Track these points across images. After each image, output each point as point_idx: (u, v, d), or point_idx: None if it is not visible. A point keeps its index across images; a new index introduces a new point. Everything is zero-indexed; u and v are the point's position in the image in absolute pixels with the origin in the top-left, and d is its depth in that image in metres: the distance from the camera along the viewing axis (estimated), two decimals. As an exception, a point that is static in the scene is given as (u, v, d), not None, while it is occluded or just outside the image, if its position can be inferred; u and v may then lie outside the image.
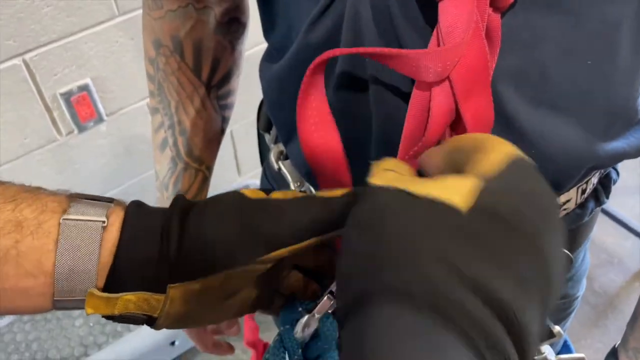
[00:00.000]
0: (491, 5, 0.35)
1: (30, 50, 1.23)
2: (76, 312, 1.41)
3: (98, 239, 0.32)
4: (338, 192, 0.35)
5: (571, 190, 0.48)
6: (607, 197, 0.53)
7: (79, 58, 1.29)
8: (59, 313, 1.42)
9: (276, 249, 0.34)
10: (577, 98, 0.41)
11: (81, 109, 1.37)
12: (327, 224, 0.34)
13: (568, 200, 0.49)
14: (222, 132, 0.64)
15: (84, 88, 1.34)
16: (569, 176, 0.45)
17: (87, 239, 0.32)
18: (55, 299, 0.32)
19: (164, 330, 0.37)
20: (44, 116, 1.32)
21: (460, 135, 0.33)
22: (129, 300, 0.33)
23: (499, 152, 0.28)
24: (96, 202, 0.34)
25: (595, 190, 0.52)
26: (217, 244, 0.34)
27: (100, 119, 1.40)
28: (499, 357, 0.22)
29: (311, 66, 0.37)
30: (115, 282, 0.33)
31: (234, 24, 0.58)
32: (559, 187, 0.46)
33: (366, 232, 0.26)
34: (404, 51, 0.34)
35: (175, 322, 0.36)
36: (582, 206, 0.51)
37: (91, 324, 1.39)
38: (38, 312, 0.34)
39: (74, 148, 1.39)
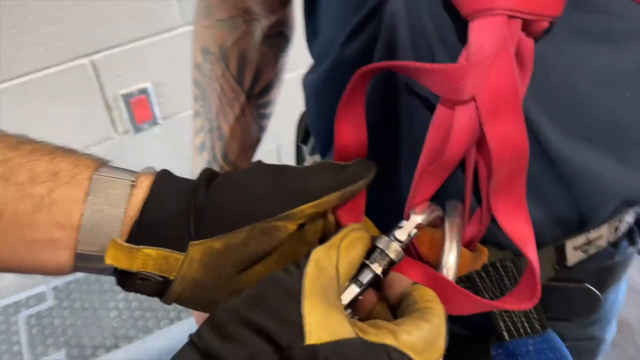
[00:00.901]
0: (524, 29, 0.35)
1: (98, 52, 1.30)
2: (112, 304, 1.45)
3: (127, 193, 0.33)
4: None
5: (603, 227, 0.46)
6: (642, 238, 0.51)
7: (142, 63, 1.36)
8: (97, 303, 1.46)
9: (303, 203, 0.34)
10: (613, 130, 0.39)
11: (139, 110, 1.43)
12: (342, 181, 0.36)
13: (599, 237, 0.47)
14: (258, 140, 0.65)
15: (144, 91, 1.40)
16: (600, 209, 0.43)
17: (116, 193, 0.33)
18: (77, 251, 0.33)
19: (192, 328, 0.37)
20: (104, 114, 1.38)
21: (426, 289, 0.34)
22: (149, 255, 0.33)
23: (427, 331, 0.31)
24: (125, 169, 0.35)
25: (630, 230, 0.50)
26: (245, 196, 0.34)
27: (155, 122, 1.46)
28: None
29: (355, 75, 0.37)
30: (138, 237, 0.33)
31: (279, 37, 0.59)
32: (589, 220, 0.45)
33: None
34: (427, 65, 0.34)
35: (188, 293, 0.36)
36: (614, 245, 0.49)
37: (124, 317, 1.43)
38: (59, 273, 0.34)
39: (128, 147, 1.45)
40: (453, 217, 0.42)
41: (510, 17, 0.33)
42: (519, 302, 0.39)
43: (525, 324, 0.51)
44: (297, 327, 0.29)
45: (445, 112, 0.36)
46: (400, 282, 0.36)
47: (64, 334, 1.40)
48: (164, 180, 0.35)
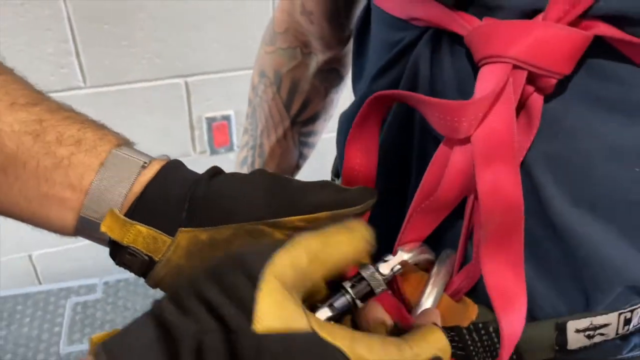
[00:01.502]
0: (533, 84, 0.35)
1: (192, 75, 1.41)
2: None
3: (136, 171, 0.36)
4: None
5: (612, 315, 0.43)
6: (659, 340, 0.47)
7: (229, 91, 1.46)
8: (138, 305, 1.52)
9: (293, 215, 0.35)
10: (621, 205, 0.38)
11: (219, 134, 1.52)
12: (337, 203, 0.36)
13: (606, 325, 0.44)
14: (297, 167, 0.68)
15: (226, 118, 1.50)
16: (604, 290, 0.41)
17: (127, 169, 0.36)
18: (81, 214, 0.36)
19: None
20: (186, 132, 1.49)
21: (442, 337, 0.32)
22: (140, 232, 0.35)
23: None
24: (143, 153, 0.38)
25: (645, 328, 0.46)
26: (237, 197, 0.36)
27: (231, 148, 1.54)
28: None
29: (368, 100, 0.39)
30: (135, 214, 0.35)
31: (332, 73, 0.63)
32: (594, 301, 0.42)
33: None
34: (428, 98, 0.35)
35: (170, 278, 0.37)
36: (624, 338, 0.45)
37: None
38: (62, 231, 0.38)
39: (202, 167, 1.53)
40: (443, 264, 0.41)
41: (516, 66, 0.34)
42: None
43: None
44: (249, 311, 0.28)
45: (444, 151, 0.37)
46: (375, 312, 0.36)
47: (102, 327, 1.47)
48: (173, 167, 0.37)
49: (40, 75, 1.28)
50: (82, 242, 0.44)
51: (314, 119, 0.65)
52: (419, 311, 0.39)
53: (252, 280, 0.29)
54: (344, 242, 0.33)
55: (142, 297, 1.55)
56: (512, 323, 0.37)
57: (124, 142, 0.38)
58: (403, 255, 0.39)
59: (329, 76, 0.63)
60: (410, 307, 0.41)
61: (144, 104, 1.41)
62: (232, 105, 1.48)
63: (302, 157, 0.68)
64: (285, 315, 0.29)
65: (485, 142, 0.34)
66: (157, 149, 1.38)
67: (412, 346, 0.31)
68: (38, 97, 0.37)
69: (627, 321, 0.44)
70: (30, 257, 1.58)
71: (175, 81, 1.41)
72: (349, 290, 0.35)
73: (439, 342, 0.32)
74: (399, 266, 0.38)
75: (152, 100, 1.41)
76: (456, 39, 0.38)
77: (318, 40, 0.60)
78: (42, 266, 1.61)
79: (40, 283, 1.64)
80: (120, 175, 0.36)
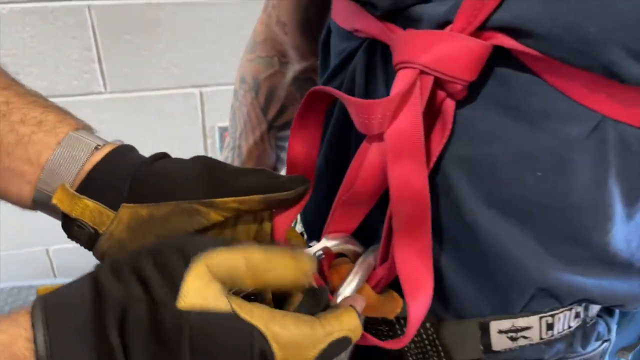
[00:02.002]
0: (444, 90, 0.38)
1: (207, 85, 1.48)
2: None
3: (89, 151, 0.40)
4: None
5: (532, 318, 0.45)
6: (584, 348, 0.48)
7: (242, 103, 1.52)
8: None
9: (227, 196, 0.39)
10: (528, 208, 0.40)
11: (230, 145, 1.58)
12: (269, 188, 0.39)
13: (528, 328, 0.45)
14: (274, 169, 0.72)
15: (238, 129, 1.55)
16: (517, 290, 0.43)
17: (81, 149, 0.40)
18: (37, 188, 0.40)
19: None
20: (199, 140, 1.55)
21: (354, 317, 0.35)
22: (87, 206, 0.39)
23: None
24: (100, 137, 0.42)
25: (572, 334, 0.47)
26: (175, 177, 0.39)
27: (241, 158, 1.60)
28: None
29: (307, 94, 0.43)
30: (83, 190, 0.39)
31: (308, 82, 0.67)
32: (511, 302, 0.44)
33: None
34: (346, 96, 0.39)
35: (113, 251, 0.40)
36: (548, 343, 0.47)
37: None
38: (19, 203, 0.42)
39: (213, 175, 1.60)
40: (367, 256, 0.44)
41: (423, 72, 0.37)
42: (393, 343, 0.40)
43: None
44: (176, 288, 0.31)
45: (365, 147, 0.40)
46: None
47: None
48: (122, 150, 0.41)
49: (64, 79, 1.37)
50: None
51: (290, 124, 0.69)
52: (339, 297, 0.42)
53: (186, 262, 0.32)
54: (286, 269, 0.34)
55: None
56: (419, 307, 0.40)
57: (83, 127, 0.42)
58: (326, 243, 0.42)
59: (305, 85, 0.67)
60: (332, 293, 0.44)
61: (160, 111, 1.48)
62: (244, 117, 1.54)
63: (279, 160, 0.71)
64: (208, 296, 0.31)
65: (395, 139, 0.38)
66: (171, 154, 1.44)
67: (324, 325, 0.34)
68: (8, 83, 0.42)
69: (550, 326, 0.46)
70: (47, 251, 1.66)
71: (191, 91, 1.48)
72: None
73: (351, 323, 0.35)
74: (321, 252, 0.41)
75: (168, 107, 1.48)
76: (387, 48, 0.42)
77: (293, 50, 0.64)
78: (59, 261, 1.68)
79: (55, 277, 1.71)
80: (74, 154, 0.40)
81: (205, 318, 0.31)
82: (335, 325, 0.34)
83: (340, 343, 0.34)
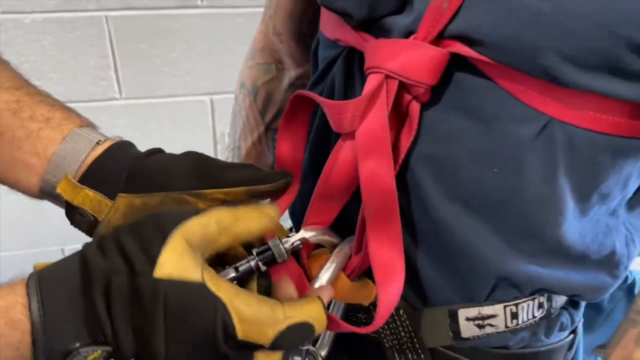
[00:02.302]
0: (409, 93, 0.42)
1: (218, 93, 1.53)
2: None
3: (91, 146, 0.44)
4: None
5: (497, 306, 0.48)
6: (547, 337, 0.51)
7: (251, 111, 1.57)
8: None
9: (213, 188, 0.42)
10: (487, 203, 0.43)
11: (240, 151, 1.63)
12: (252, 181, 0.43)
13: (493, 316, 0.49)
14: (272, 168, 0.76)
15: (247, 136, 1.60)
16: (480, 280, 0.46)
17: (83, 144, 0.44)
18: (43, 178, 0.44)
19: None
20: (210, 145, 1.60)
21: (319, 307, 0.38)
22: (88, 195, 0.43)
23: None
24: (102, 134, 0.46)
25: (536, 324, 0.50)
26: (168, 170, 0.43)
27: (250, 164, 1.64)
28: None
29: (292, 98, 0.47)
30: (85, 180, 0.43)
31: (303, 87, 0.71)
32: (475, 291, 0.47)
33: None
34: (322, 99, 0.43)
35: None
36: (513, 332, 0.50)
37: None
38: (28, 192, 0.46)
39: (222, 180, 1.65)
40: (343, 246, 0.48)
41: (388, 76, 0.41)
42: (365, 328, 0.44)
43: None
44: (153, 260, 0.35)
45: (339, 145, 0.44)
46: (286, 289, 0.41)
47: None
48: (121, 145, 0.45)
49: (82, 86, 1.43)
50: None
51: (285, 127, 0.73)
52: (316, 283, 0.46)
53: (163, 236, 0.36)
54: (252, 218, 0.39)
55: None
56: (390, 294, 0.43)
57: (87, 124, 0.46)
58: (304, 234, 0.46)
59: (300, 90, 0.71)
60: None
61: (172, 117, 1.53)
62: (253, 124, 1.59)
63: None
64: (182, 266, 0.35)
65: (364, 137, 0.42)
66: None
67: (286, 309, 0.37)
68: (20, 83, 0.46)
69: (514, 315, 0.49)
70: (62, 250, 1.71)
71: (202, 98, 1.53)
72: (255, 257, 0.42)
73: (314, 312, 0.38)
74: (299, 242, 0.45)
75: (180, 114, 1.53)
76: (363, 56, 0.46)
77: (289, 58, 0.68)
78: (72, 261, 1.74)
79: (68, 276, 1.76)
80: (77, 148, 0.44)
81: (177, 286, 0.34)
82: (297, 310, 0.37)
83: (301, 328, 0.37)
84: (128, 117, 1.48)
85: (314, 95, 0.44)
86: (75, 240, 1.70)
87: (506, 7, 0.36)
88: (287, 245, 0.44)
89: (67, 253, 1.54)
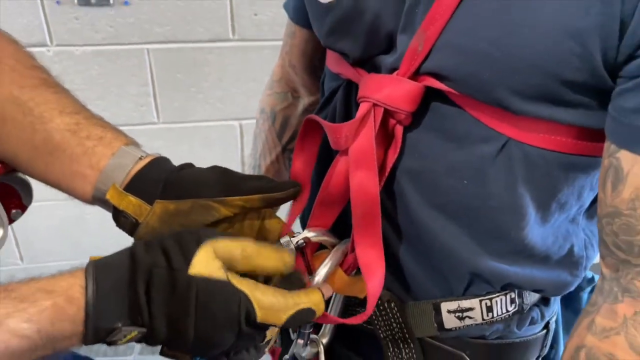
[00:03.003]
0: (393, 118, 0.51)
1: (246, 119, 1.64)
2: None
3: (134, 161, 0.52)
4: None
5: (473, 300, 0.55)
6: (519, 329, 0.58)
7: (276, 135, 1.67)
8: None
9: (233, 196, 0.50)
10: (460, 209, 0.51)
11: (266, 172, 1.73)
12: (266, 189, 0.51)
13: (471, 309, 0.56)
14: None
15: (273, 158, 1.70)
16: (456, 276, 0.54)
17: (129, 159, 0.52)
18: (96, 187, 0.52)
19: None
20: (238, 166, 1.70)
21: (318, 295, 0.47)
22: (131, 201, 0.51)
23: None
24: (144, 151, 0.54)
25: (509, 318, 0.57)
26: (198, 180, 0.51)
27: (275, 185, 1.74)
28: None
29: (303, 122, 0.55)
30: (129, 189, 0.51)
31: (316, 113, 0.80)
32: (454, 286, 0.55)
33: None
34: (323, 121, 0.51)
35: (148, 236, 0.51)
36: (489, 323, 0.57)
37: None
38: (82, 199, 0.54)
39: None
40: (340, 246, 0.56)
41: (375, 104, 0.49)
42: (359, 318, 0.51)
43: (410, 372, 0.60)
44: (189, 260, 0.43)
45: (336, 160, 0.53)
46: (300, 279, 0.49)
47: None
48: (159, 161, 0.53)
49: (124, 111, 1.56)
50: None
51: (300, 148, 0.82)
52: (316, 277, 0.54)
53: (198, 245, 0.44)
54: (271, 259, 0.47)
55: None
56: (374, 286, 0.51)
57: (132, 143, 0.55)
58: (307, 234, 0.55)
59: (313, 115, 0.81)
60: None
61: (204, 140, 1.65)
62: (278, 147, 1.69)
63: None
64: (210, 268, 0.43)
65: (355, 153, 0.50)
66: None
67: (294, 297, 0.45)
68: (79, 108, 0.55)
69: (489, 308, 0.56)
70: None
71: (232, 123, 1.64)
72: None
73: (316, 300, 0.47)
74: (302, 240, 0.54)
75: (211, 137, 1.64)
76: (358, 87, 0.55)
77: (303, 88, 0.78)
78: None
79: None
80: (124, 162, 0.52)
81: (207, 282, 0.42)
82: (303, 299, 0.46)
83: (306, 312, 0.45)
84: (164, 139, 1.60)
85: (318, 118, 0.53)
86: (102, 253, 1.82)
87: (465, 52, 0.44)
88: (291, 245, 0.52)
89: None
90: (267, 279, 0.49)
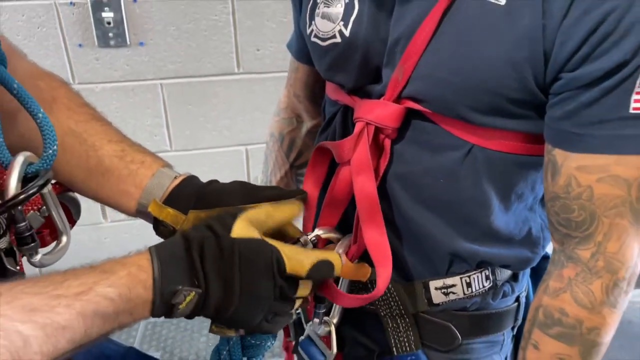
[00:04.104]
0: (383, 133, 0.63)
1: (252, 144, 1.77)
2: (204, 331, 1.79)
3: (170, 179, 0.63)
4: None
5: (455, 278, 0.67)
6: (494, 301, 0.69)
7: (279, 158, 1.80)
8: (195, 327, 1.81)
9: (252, 203, 0.59)
10: (439, 203, 0.63)
11: (270, 193, 1.85)
12: (280, 197, 0.61)
13: (454, 286, 0.67)
14: None
15: (277, 179, 1.83)
16: (439, 258, 0.66)
17: (166, 178, 0.63)
18: (139, 202, 0.62)
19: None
20: (244, 189, 1.83)
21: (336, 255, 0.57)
22: (169, 212, 0.61)
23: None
24: (176, 171, 0.66)
25: (485, 292, 0.69)
26: (222, 192, 0.61)
27: (279, 204, 1.86)
28: None
29: (314, 149, 0.68)
30: (167, 202, 0.61)
31: (316, 133, 0.93)
32: (439, 267, 0.67)
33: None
34: (327, 142, 0.64)
35: None
36: (469, 297, 0.69)
37: (210, 344, 1.74)
38: (126, 212, 0.64)
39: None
40: (345, 240, 0.68)
41: (368, 123, 0.62)
42: (371, 296, 0.62)
43: (406, 344, 0.72)
44: (229, 227, 0.53)
45: (339, 169, 0.65)
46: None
47: (170, 345, 1.77)
48: (190, 178, 0.64)
49: (139, 140, 1.65)
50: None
51: (305, 164, 0.94)
52: None
53: (234, 217, 0.54)
54: (286, 210, 0.59)
55: (199, 320, 1.84)
56: (386, 270, 0.61)
57: (167, 165, 0.66)
58: (318, 232, 0.66)
59: (315, 136, 0.93)
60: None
61: (214, 165, 1.77)
62: (281, 169, 1.82)
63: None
64: (247, 231, 0.53)
65: (355, 163, 0.62)
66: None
67: (315, 252, 0.56)
68: (122, 137, 0.66)
69: (469, 284, 0.68)
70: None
71: (238, 148, 1.77)
72: None
73: (333, 255, 0.57)
74: (314, 237, 0.66)
75: (219, 162, 1.77)
76: (353, 111, 0.68)
77: (305, 113, 0.91)
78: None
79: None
80: (162, 181, 0.63)
81: (246, 241, 0.52)
82: (322, 253, 0.56)
83: (325, 264, 0.55)
84: (177, 165, 1.71)
85: (325, 143, 0.66)
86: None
87: (433, 80, 0.57)
88: (306, 240, 0.64)
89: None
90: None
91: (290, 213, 0.59)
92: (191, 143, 1.72)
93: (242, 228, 0.53)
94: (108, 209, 1.90)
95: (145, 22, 1.54)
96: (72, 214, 0.73)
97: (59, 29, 1.50)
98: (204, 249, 0.50)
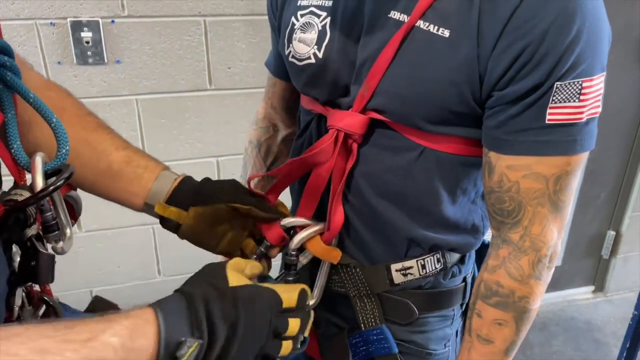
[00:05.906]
0: (351, 138, 0.74)
1: (223, 156, 1.85)
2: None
3: (171, 181, 0.73)
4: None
5: (412, 261, 0.78)
6: (445, 280, 0.81)
7: (248, 168, 1.88)
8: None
9: (238, 204, 0.71)
10: (397, 196, 0.75)
11: (239, 202, 1.93)
12: (261, 207, 0.72)
13: (410, 268, 0.79)
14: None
15: (246, 189, 1.91)
16: (399, 244, 0.77)
17: (167, 180, 0.73)
18: (145, 202, 0.72)
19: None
20: (215, 198, 1.90)
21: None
22: (172, 210, 0.71)
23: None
24: (175, 172, 0.76)
25: (437, 273, 0.80)
26: (217, 191, 0.72)
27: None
28: None
29: (287, 164, 0.78)
30: (170, 201, 0.71)
31: (291, 141, 1.03)
32: (398, 251, 0.78)
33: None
34: (308, 151, 0.75)
35: (190, 233, 0.72)
36: (424, 277, 0.80)
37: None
38: (134, 209, 0.74)
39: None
40: (318, 222, 0.78)
41: (339, 130, 0.73)
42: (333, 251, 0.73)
43: (372, 320, 0.82)
44: (225, 280, 0.57)
45: (314, 171, 0.76)
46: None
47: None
48: (187, 178, 0.75)
49: (115, 153, 1.74)
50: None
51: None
52: (296, 237, 0.75)
53: (222, 270, 0.60)
54: (255, 266, 0.66)
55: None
56: (335, 224, 0.74)
57: (167, 168, 0.76)
58: (295, 219, 0.77)
59: (290, 143, 1.03)
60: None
61: (186, 176, 1.84)
62: (250, 179, 1.90)
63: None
64: (239, 279, 0.60)
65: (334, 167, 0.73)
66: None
67: (292, 286, 0.64)
68: (127, 145, 0.75)
69: (423, 267, 0.79)
70: (91, 292, 1.95)
71: (210, 160, 1.84)
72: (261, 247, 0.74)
73: (302, 285, 0.64)
74: (291, 224, 0.76)
75: (192, 173, 1.81)
76: (326, 119, 0.79)
77: (281, 123, 1.01)
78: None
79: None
80: (164, 183, 0.73)
81: (244, 287, 0.58)
82: (297, 286, 0.64)
83: (302, 292, 0.63)
84: (150, 176, 1.78)
85: (302, 157, 0.75)
86: (103, 282, 1.95)
87: (392, 95, 0.68)
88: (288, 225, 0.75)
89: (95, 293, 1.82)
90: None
91: (258, 269, 0.67)
92: (165, 155, 1.78)
93: (234, 276, 0.59)
94: (83, 219, 1.93)
95: (122, 41, 1.61)
96: (75, 211, 0.81)
97: (39, 48, 1.55)
98: (209, 300, 0.54)
